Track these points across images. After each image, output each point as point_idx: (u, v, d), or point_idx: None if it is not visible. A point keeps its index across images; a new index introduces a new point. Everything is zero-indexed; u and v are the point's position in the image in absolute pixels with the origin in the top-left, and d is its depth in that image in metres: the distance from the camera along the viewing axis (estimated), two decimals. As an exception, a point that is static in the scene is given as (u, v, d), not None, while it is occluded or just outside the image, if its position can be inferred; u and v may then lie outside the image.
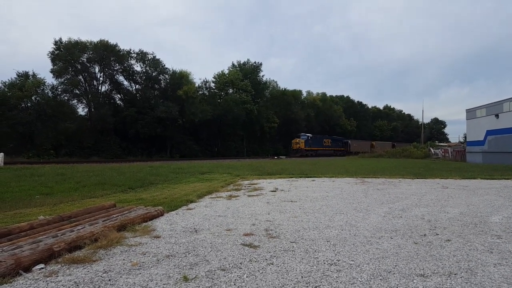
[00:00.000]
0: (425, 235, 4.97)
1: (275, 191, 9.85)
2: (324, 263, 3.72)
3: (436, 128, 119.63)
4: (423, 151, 47.92)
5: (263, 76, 62.82)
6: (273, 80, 67.26)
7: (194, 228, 5.31)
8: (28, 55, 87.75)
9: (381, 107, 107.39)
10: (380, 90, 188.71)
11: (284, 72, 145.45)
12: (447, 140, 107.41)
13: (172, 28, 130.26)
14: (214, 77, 57.40)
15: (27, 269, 3.42)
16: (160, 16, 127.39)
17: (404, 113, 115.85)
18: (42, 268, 3.51)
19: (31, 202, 7.82)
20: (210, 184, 11.47)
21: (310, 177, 14.59)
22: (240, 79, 55.24)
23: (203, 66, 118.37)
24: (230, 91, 56.32)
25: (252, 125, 54.40)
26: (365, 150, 65.77)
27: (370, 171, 18.05)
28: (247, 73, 58.88)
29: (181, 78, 47.28)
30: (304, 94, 77.45)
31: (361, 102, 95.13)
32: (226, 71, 58.18)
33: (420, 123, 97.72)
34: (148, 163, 25.04)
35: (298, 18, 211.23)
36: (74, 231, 4.47)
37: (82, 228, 4.62)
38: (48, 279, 3.23)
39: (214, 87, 56.78)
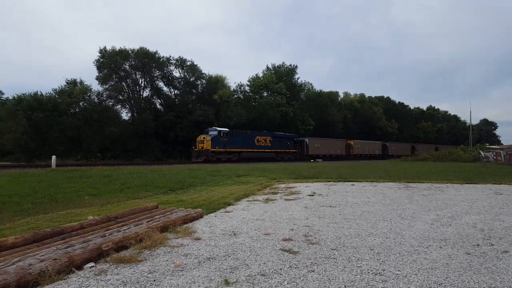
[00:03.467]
0: (478, 245, 4.66)
1: (312, 195, 9.71)
2: (368, 272, 3.59)
3: (486, 129, 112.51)
4: (472, 154, 44.92)
5: (298, 78, 62.53)
6: (309, 82, 66.73)
7: (233, 231, 5.34)
8: (77, 63, 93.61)
9: (425, 108, 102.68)
10: (423, 90, 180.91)
11: (321, 73, 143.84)
12: (499, 142, 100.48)
13: (210, 34, 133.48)
14: (249, 81, 58.00)
15: (79, 267, 3.60)
16: (198, 22, 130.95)
17: (449, 114, 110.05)
18: (92, 266, 3.68)
19: (81, 202, 8.27)
20: (246, 187, 11.54)
21: (349, 181, 14.23)
22: (275, 82, 55.33)
23: (240, 70, 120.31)
24: (265, 94, 56.60)
25: (287, 127, 54.15)
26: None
27: (414, 175, 17.29)
28: (282, 75, 58.86)
29: (216, 83, 48.20)
30: (341, 95, 76.00)
31: (402, 103, 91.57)
32: (261, 75, 58.63)
33: (467, 124, 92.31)
34: (187, 165, 25.65)
35: (336, 17, 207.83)
36: (120, 231, 4.65)
37: (127, 229, 4.80)
38: (98, 277, 3.38)
39: (248, 91, 57.35)
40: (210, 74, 49.91)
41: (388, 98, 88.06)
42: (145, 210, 6.41)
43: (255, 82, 56.66)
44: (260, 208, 7.50)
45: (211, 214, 6.80)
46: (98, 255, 3.91)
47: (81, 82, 40.42)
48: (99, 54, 43.05)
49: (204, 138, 34.25)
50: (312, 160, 43.17)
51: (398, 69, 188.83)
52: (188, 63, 48.18)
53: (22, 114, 33.53)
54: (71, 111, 38.20)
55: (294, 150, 44.33)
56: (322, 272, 3.58)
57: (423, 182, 13.70)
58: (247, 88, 57.23)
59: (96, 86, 43.58)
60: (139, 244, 4.42)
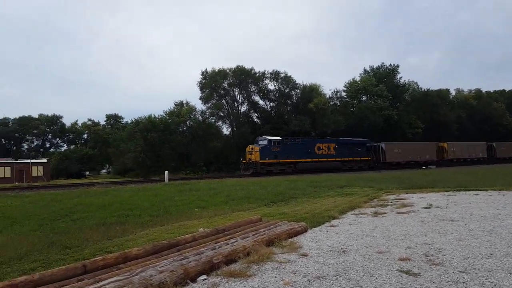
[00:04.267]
0: None
1: (429, 207, 8.69)
2: (512, 302, 2.95)
3: None
4: None
5: (400, 78, 58.43)
6: (413, 81, 61.78)
7: (341, 248, 5.02)
8: (183, 86, 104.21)
9: None
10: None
11: (427, 70, 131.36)
12: None
13: (302, 43, 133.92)
14: (345, 86, 56.33)
15: (193, 279, 3.75)
16: (291, 34, 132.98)
17: None
18: (205, 279, 3.80)
19: (192, 214, 8.87)
20: (351, 199, 10.96)
21: (472, 190, 12.40)
22: (374, 84, 52.50)
23: (335, 76, 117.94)
24: (364, 98, 54.17)
25: (392, 132, 50.54)
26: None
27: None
28: (381, 77, 55.68)
29: (311, 91, 48.11)
30: (453, 92, 68.38)
31: (531, 95, 77.69)
32: (358, 78, 56.45)
33: None
34: (286, 176, 25.83)
35: (439, 7, 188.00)
36: (229, 244, 4.77)
37: (235, 242, 4.90)
38: (211, 291, 3.47)
39: (345, 96, 55.65)
40: (305, 83, 50.25)
41: (511, 91, 75.77)
42: (250, 223, 6.53)
43: (352, 86, 54.82)
44: (369, 223, 6.97)
45: (315, 228, 6.56)
46: (210, 268, 4.03)
47: (187, 103, 45.12)
48: (201, 76, 47.32)
49: (252, 148, 31.16)
50: (423, 167, 38.88)
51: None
52: (282, 75, 49.31)
53: (139, 135, 38.58)
54: (180, 129, 42.47)
55: (367, 158, 37.93)
56: (452, 300, 3.06)
57: None
58: (343, 93, 55.76)
59: (199, 105, 47.96)
60: (246, 258, 4.44)
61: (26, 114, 69.12)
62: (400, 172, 28.10)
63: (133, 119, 44.93)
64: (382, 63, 59.20)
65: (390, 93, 52.37)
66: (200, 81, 47.24)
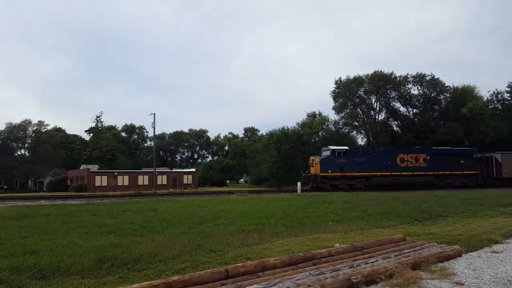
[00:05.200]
0: None
1: None
2: None
3: None
4: None
5: None
6: None
7: (509, 280, 4.14)
8: (316, 97, 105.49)
9: None
10: None
11: None
12: None
13: (453, 41, 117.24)
14: (509, 86, 47.00)
15: (330, 297, 3.62)
16: (438, 33, 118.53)
17: None
18: (343, 299, 3.63)
19: (326, 228, 8.68)
20: (519, 221, 9.06)
21: None
22: (553, 81, 42.31)
23: (494, 75, 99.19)
24: (537, 98, 44.28)
25: None
26: None
27: None
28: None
29: (464, 94, 41.98)
30: None
31: None
32: (527, 75, 46.51)
33: None
34: (433, 191, 23.00)
35: None
36: (368, 263, 4.48)
37: (375, 261, 4.57)
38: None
39: (509, 98, 46.45)
40: (455, 85, 44.20)
41: None
42: (391, 242, 6.00)
43: (518, 85, 45.51)
44: (548, 252, 5.55)
45: (472, 253, 5.65)
46: (348, 287, 3.84)
47: (320, 114, 45.21)
48: (335, 85, 46.79)
49: (313, 160, 28.32)
50: None
51: None
52: (428, 78, 44.59)
53: (273, 147, 40.55)
54: (312, 140, 42.82)
55: (473, 172, 30.58)
56: None
57: None
58: (506, 95, 46.68)
59: (332, 116, 47.37)
60: (389, 280, 4.09)
61: (178, 129, 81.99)
62: None
63: (268, 131, 47.64)
64: None
65: None
66: (334, 90, 46.73)
